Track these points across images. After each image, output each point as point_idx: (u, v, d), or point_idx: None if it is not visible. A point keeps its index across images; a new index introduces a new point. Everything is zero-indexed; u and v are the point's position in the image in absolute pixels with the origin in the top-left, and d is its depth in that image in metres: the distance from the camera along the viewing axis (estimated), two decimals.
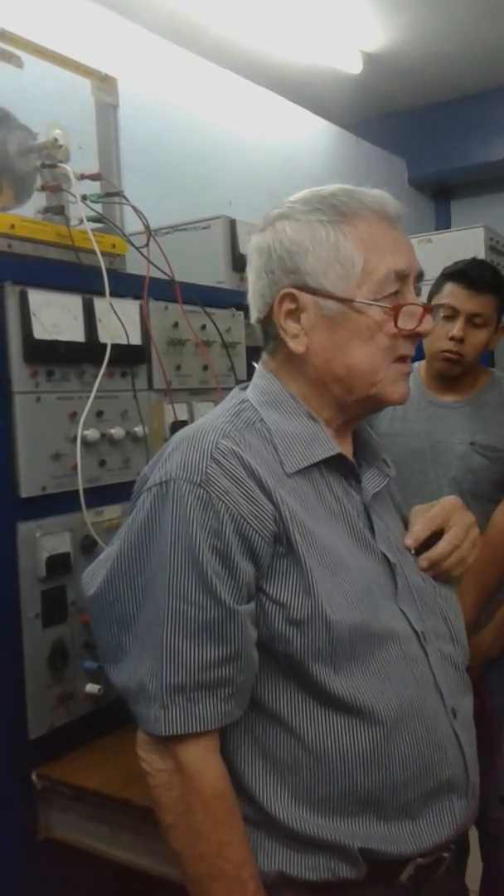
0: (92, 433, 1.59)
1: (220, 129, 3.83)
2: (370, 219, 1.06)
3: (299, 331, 1.07)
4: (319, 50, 4.23)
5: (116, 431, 1.65)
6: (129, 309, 1.69)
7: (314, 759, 1.00)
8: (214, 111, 3.82)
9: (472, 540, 1.16)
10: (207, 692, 0.97)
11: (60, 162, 1.62)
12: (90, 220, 1.65)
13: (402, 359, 1.09)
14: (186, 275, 1.85)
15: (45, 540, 1.51)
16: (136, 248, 1.74)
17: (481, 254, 3.15)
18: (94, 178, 1.69)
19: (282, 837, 1.02)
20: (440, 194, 5.85)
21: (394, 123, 5.32)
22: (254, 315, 1.14)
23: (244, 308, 1.40)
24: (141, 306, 1.73)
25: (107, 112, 1.88)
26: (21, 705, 1.48)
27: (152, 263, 1.73)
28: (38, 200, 1.66)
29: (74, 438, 1.56)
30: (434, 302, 2.06)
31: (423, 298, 1.17)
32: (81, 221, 1.62)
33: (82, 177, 1.66)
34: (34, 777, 1.50)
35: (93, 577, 1.08)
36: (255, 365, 1.18)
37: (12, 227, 1.53)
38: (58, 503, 1.54)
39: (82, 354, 1.59)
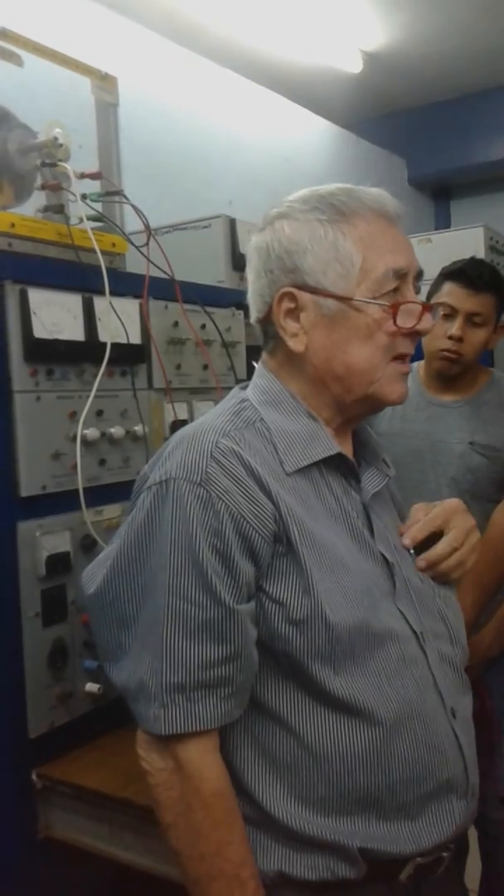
0: (92, 432, 1.59)
1: (221, 128, 3.83)
2: (369, 217, 1.06)
3: (299, 330, 1.07)
4: (319, 49, 4.23)
5: (116, 431, 1.65)
6: (128, 308, 1.69)
7: (314, 759, 1.00)
8: (214, 110, 3.82)
9: (471, 544, 1.16)
10: (207, 691, 0.97)
11: (60, 161, 1.62)
12: (90, 219, 1.65)
13: (401, 357, 1.09)
14: (186, 274, 1.85)
15: (44, 539, 1.51)
16: (136, 248, 1.74)
17: (481, 253, 3.15)
18: (94, 176, 1.69)
19: (281, 837, 1.02)
20: (440, 194, 5.86)
21: (394, 123, 5.32)
22: (253, 314, 1.14)
23: (244, 307, 1.40)
24: (141, 305, 1.73)
25: (107, 111, 1.88)
26: (21, 704, 1.48)
27: (152, 263, 1.73)
28: (38, 199, 1.66)
29: (74, 437, 1.56)
30: (433, 301, 2.06)
31: (423, 298, 1.17)
32: (81, 220, 1.62)
33: (82, 176, 1.65)
34: (34, 776, 1.50)
35: (92, 576, 1.08)
36: (255, 364, 1.18)
37: (12, 225, 1.53)
38: (58, 502, 1.54)
39: (82, 353, 1.59)
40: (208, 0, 3.61)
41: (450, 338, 2.04)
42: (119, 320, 1.65)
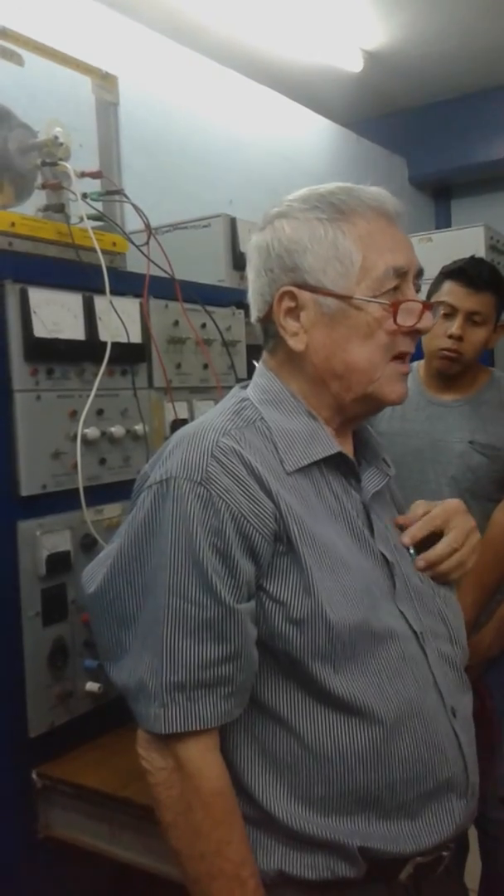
0: (92, 431, 1.59)
1: (221, 127, 3.83)
2: (369, 216, 1.06)
3: (299, 329, 1.07)
4: (320, 48, 4.23)
5: (117, 430, 1.65)
6: (129, 307, 1.69)
7: (314, 759, 1.00)
8: (215, 109, 3.82)
9: (471, 544, 1.16)
10: (207, 690, 0.97)
11: (61, 160, 1.62)
12: (90, 218, 1.65)
13: (401, 356, 1.09)
14: (187, 273, 1.85)
15: (45, 538, 1.51)
16: (137, 247, 1.74)
17: (481, 252, 3.16)
18: (94, 176, 1.69)
19: (281, 836, 1.02)
20: (440, 193, 5.85)
21: (394, 122, 5.31)
22: (254, 314, 1.14)
23: (244, 306, 1.40)
24: (141, 304, 1.73)
25: (107, 110, 1.88)
26: (21, 704, 1.48)
27: (153, 262, 1.73)
28: (38, 198, 1.66)
29: (75, 437, 1.56)
30: (433, 300, 2.06)
31: (422, 297, 1.17)
32: (82, 219, 1.62)
33: (83, 175, 1.65)
34: (34, 775, 1.50)
35: (93, 575, 1.08)
36: (256, 363, 1.18)
37: (13, 224, 1.53)
38: (58, 501, 1.54)
39: (82, 353, 1.59)
40: None
41: (450, 337, 2.04)
42: (119, 319, 1.65)
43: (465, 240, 3.31)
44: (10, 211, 1.57)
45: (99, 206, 1.71)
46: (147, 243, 1.72)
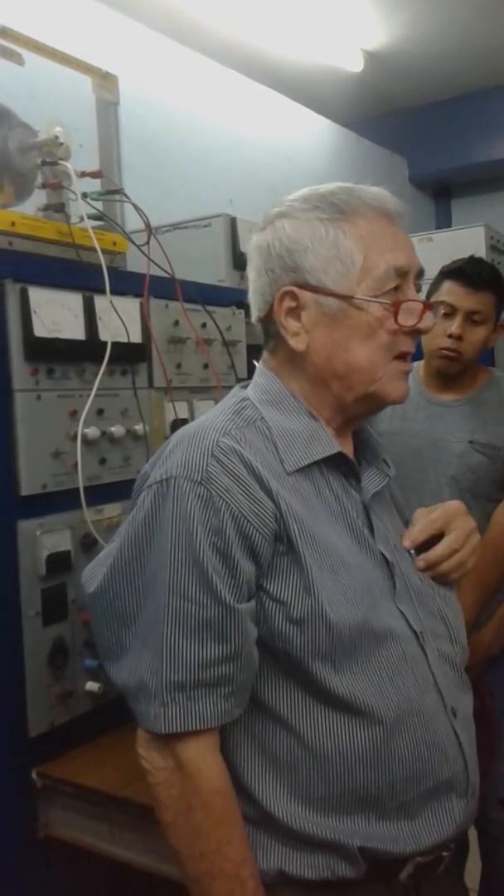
0: (92, 431, 1.59)
1: (221, 127, 3.83)
2: (370, 216, 1.06)
3: (300, 329, 1.07)
4: (320, 48, 4.22)
5: (117, 429, 1.65)
6: (129, 307, 1.69)
7: (314, 758, 1.00)
8: (215, 109, 3.81)
9: (471, 545, 1.16)
10: (207, 690, 0.97)
11: (61, 159, 1.62)
12: (91, 217, 1.65)
13: (402, 356, 1.09)
14: (187, 273, 1.85)
15: (45, 538, 1.51)
16: (137, 246, 1.74)
17: (482, 252, 3.15)
18: (94, 175, 1.69)
19: (281, 836, 1.02)
20: (441, 193, 5.85)
21: (394, 122, 5.31)
22: (254, 314, 1.14)
23: (245, 306, 1.40)
24: (141, 304, 1.73)
25: (107, 109, 1.88)
26: (21, 703, 1.48)
27: (153, 261, 1.73)
28: (38, 198, 1.65)
29: (75, 436, 1.56)
30: (432, 300, 2.06)
31: (423, 297, 1.17)
32: (82, 219, 1.62)
33: (83, 174, 1.65)
34: (34, 775, 1.50)
35: (93, 575, 1.08)
36: (256, 363, 1.18)
37: (13, 224, 1.53)
38: (58, 501, 1.54)
39: (83, 352, 1.59)
40: None
41: (449, 336, 2.04)
42: (120, 319, 1.64)
43: (465, 240, 3.31)
44: (11, 210, 1.57)
45: (99, 205, 1.71)
46: (147, 243, 1.72)
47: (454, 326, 2.04)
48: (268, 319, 1.11)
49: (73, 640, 1.56)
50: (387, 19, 4.06)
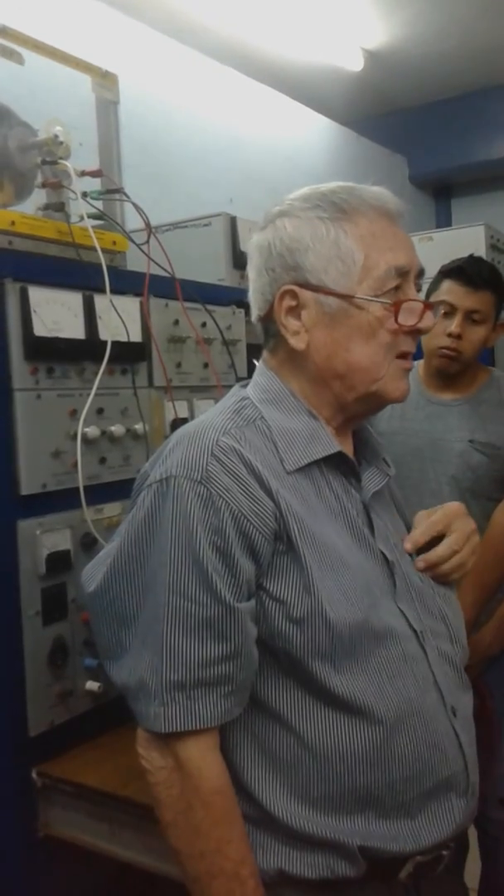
0: (92, 430, 1.59)
1: (221, 126, 3.83)
2: (370, 215, 1.06)
3: (300, 328, 1.07)
4: (320, 47, 4.23)
5: (117, 429, 1.65)
6: (129, 306, 1.69)
7: (314, 758, 1.00)
8: (215, 108, 3.81)
9: (471, 546, 1.16)
10: (207, 689, 0.97)
11: (61, 158, 1.62)
12: (91, 216, 1.65)
13: (403, 355, 1.09)
14: (187, 272, 1.85)
15: (45, 537, 1.51)
16: (137, 245, 1.74)
17: (482, 252, 3.15)
18: (94, 174, 1.69)
19: (281, 835, 1.02)
20: (441, 192, 5.85)
21: (394, 121, 5.31)
22: (254, 313, 1.14)
23: (245, 305, 1.40)
24: (141, 303, 1.73)
25: (107, 109, 1.88)
26: (21, 703, 1.48)
27: (153, 260, 1.73)
28: (38, 197, 1.65)
29: (75, 436, 1.56)
30: (432, 299, 2.06)
31: (422, 296, 1.17)
32: (82, 218, 1.62)
33: (83, 173, 1.65)
34: (34, 774, 1.50)
35: (93, 574, 1.08)
36: (256, 362, 1.18)
37: (13, 223, 1.53)
38: (58, 500, 1.54)
39: (83, 352, 1.59)
40: None
41: (449, 335, 2.04)
42: (119, 318, 1.64)
43: (465, 239, 3.31)
44: (10, 210, 1.57)
45: (99, 204, 1.71)
46: (147, 242, 1.72)
47: (454, 325, 2.04)
48: (268, 318, 1.11)
49: (73, 639, 1.56)
50: (387, 18, 4.06)
